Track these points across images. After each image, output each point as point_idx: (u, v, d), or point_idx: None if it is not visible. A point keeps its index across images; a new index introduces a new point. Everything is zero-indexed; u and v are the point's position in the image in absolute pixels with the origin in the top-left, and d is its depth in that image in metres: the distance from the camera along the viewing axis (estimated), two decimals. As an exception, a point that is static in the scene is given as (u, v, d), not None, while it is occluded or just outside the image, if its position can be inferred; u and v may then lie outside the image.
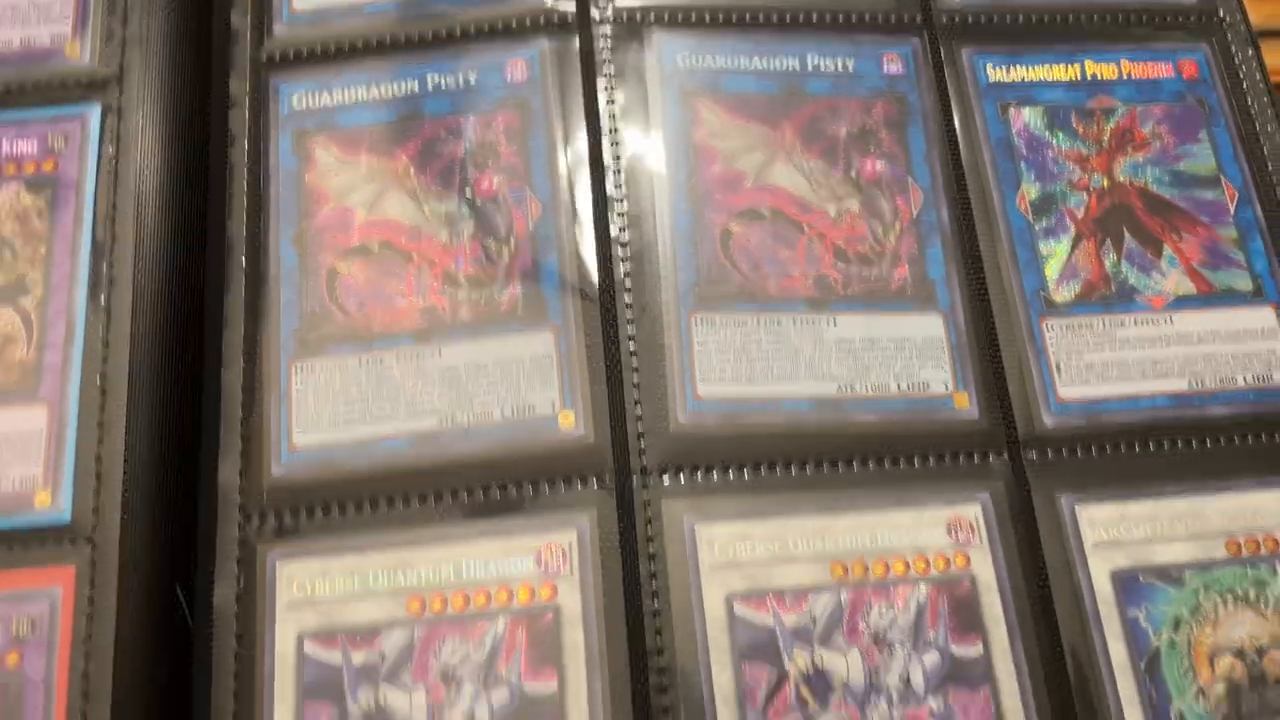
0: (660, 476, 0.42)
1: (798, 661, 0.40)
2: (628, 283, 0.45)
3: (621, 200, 0.46)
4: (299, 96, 0.48)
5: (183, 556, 0.43)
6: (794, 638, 0.40)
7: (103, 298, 0.45)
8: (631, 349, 0.44)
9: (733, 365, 0.44)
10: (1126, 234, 0.48)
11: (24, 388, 0.44)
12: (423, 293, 0.45)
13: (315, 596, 0.41)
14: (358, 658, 0.40)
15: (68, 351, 0.44)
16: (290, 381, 0.44)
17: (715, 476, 0.43)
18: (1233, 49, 0.53)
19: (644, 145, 0.47)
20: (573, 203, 0.46)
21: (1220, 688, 0.41)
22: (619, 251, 0.46)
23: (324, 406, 0.43)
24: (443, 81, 0.48)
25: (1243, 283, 0.48)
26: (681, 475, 0.43)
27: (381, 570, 0.41)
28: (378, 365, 0.44)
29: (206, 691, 0.40)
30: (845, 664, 0.40)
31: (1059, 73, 0.51)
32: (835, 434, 0.44)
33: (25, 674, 0.40)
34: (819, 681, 0.40)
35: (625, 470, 0.42)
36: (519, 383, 0.43)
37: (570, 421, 0.43)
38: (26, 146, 0.47)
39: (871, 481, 0.43)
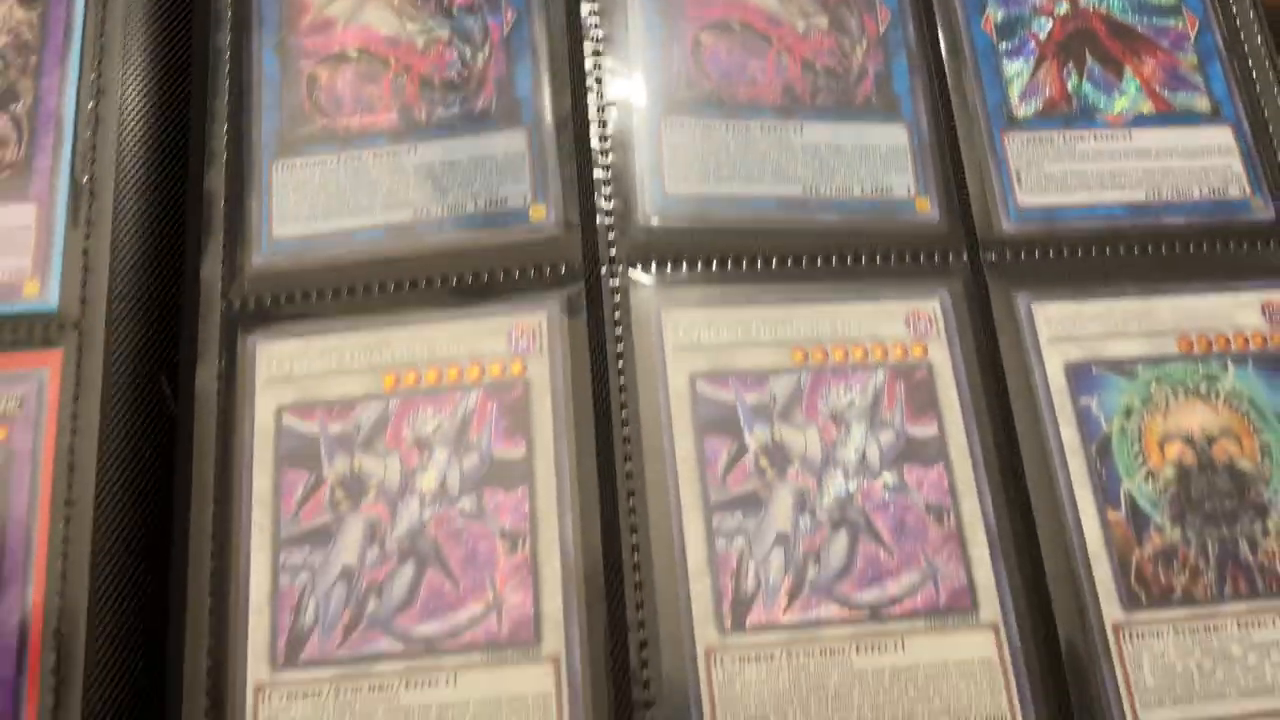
0: (628, 267, 0.44)
1: (757, 435, 0.41)
2: (600, 86, 0.46)
3: (595, 12, 0.48)
4: (282, -83, 0.50)
5: (167, 352, 0.45)
6: (754, 414, 0.42)
7: (90, 105, 0.46)
8: (604, 147, 0.45)
9: (701, 165, 0.45)
10: (1089, 56, 0.49)
11: (14, 187, 0.45)
12: (399, 96, 0.46)
13: (294, 374, 0.42)
14: (334, 428, 0.41)
15: (56, 155, 0.46)
16: (271, 179, 0.45)
17: (683, 269, 0.44)
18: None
19: (617, -42, 0.49)
20: (546, 10, 0.47)
21: (1170, 471, 0.43)
22: (591, 59, 0.47)
23: (303, 201, 0.45)
24: (422, -102, 0.49)
25: (1201, 103, 0.49)
26: (651, 266, 0.44)
27: (358, 349, 0.42)
28: (355, 162, 0.45)
29: (189, 466, 0.42)
30: (803, 439, 0.42)
31: (1026, -98, 0.52)
32: (799, 231, 0.45)
33: (13, 448, 0.41)
34: (777, 454, 0.41)
35: (594, 260, 0.44)
36: (492, 178, 0.45)
37: (541, 214, 0.44)
38: (18, -36, 0.49)
39: (833, 276, 0.44)
